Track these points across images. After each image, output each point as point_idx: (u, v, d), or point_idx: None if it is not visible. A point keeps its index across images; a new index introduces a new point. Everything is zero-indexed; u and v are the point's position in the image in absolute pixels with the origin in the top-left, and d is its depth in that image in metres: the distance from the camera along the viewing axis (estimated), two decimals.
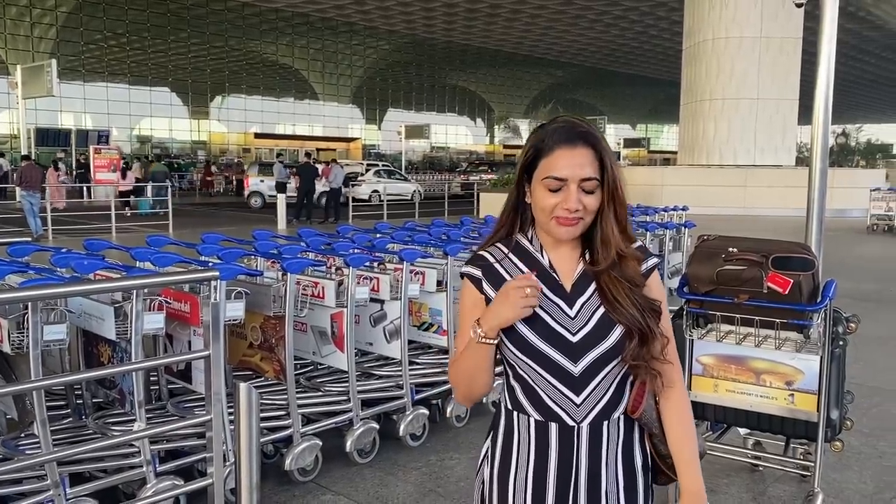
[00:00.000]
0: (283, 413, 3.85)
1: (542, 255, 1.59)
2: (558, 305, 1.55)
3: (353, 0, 42.50)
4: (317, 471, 3.84)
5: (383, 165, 30.57)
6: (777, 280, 3.08)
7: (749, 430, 3.81)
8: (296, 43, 50.88)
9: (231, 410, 2.87)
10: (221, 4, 44.88)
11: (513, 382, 1.61)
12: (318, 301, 4.03)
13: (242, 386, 2.59)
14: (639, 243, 1.60)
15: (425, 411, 4.38)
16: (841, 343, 3.30)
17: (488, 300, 1.57)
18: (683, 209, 9.13)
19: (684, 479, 1.58)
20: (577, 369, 1.52)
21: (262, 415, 3.78)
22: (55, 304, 3.18)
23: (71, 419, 3.69)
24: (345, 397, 4.08)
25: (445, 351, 4.68)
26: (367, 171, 27.79)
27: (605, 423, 1.55)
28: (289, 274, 3.73)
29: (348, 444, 3.96)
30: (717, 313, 3.32)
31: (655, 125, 79.41)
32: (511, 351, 1.55)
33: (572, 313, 1.54)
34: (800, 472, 3.78)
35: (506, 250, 1.62)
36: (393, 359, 4.42)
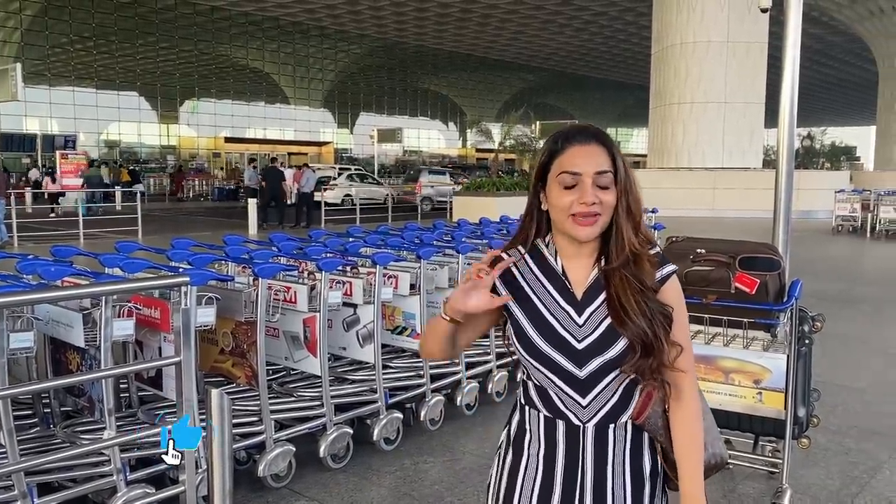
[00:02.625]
0: (255, 419, 3.82)
1: (556, 261, 1.62)
2: (567, 312, 1.58)
3: (323, 4, 42.34)
4: (290, 476, 3.82)
5: (356, 169, 30.48)
6: (744, 280, 3.14)
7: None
8: (266, 47, 50.52)
9: (203, 417, 2.84)
10: (190, 8, 44.41)
11: (526, 379, 1.66)
12: (290, 306, 4.01)
13: (214, 392, 2.57)
14: (655, 250, 1.60)
15: (399, 415, 4.38)
16: (807, 342, 3.36)
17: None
18: (653, 211, 9.21)
19: (684, 485, 1.60)
20: (582, 374, 1.56)
21: (235, 421, 3.75)
22: (22, 311, 3.13)
23: (38, 428, 3.63)
24: (318, 402, 4.06)
25: (419, 355, 4.68)
26: (339, 174, 27.69)
27: (612, 425, 1.58)
28: (260, 279, 3.71)
29: (322, 449, 3.94)
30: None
31: (625, 129, 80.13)
32: (521, 353, 1.60)
33: (580, 321, 1.57)
34: (768, 470, 3.84)
35: (522, 250, 1.65)
36: (366, 363, 4.41)
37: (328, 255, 4.50)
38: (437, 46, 52.92)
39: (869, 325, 7.83)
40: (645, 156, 34.71)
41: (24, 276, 3.66)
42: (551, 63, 58.54)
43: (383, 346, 4.48)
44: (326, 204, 20.47)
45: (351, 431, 4.10)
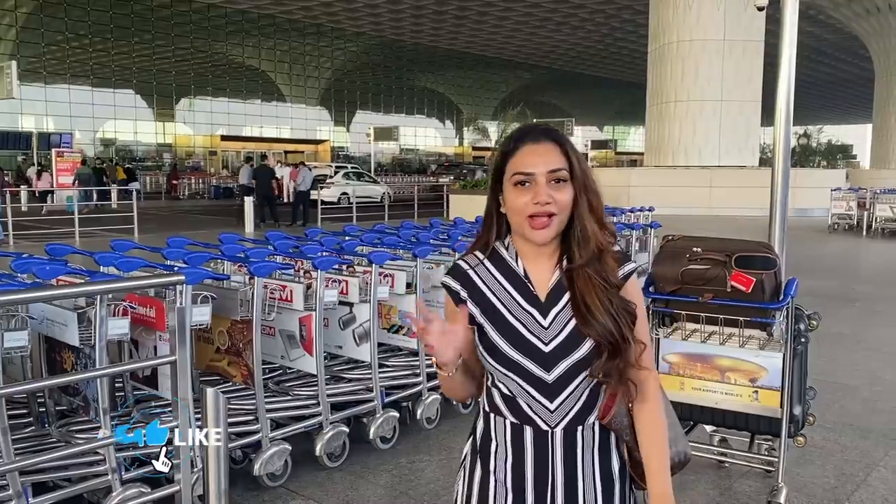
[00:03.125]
0: (251, 418, 3.82)
1: (518, 264, 1.59)
2: (532, 315, 1.55)
3: (320, 2, 42.29)
4: (286, 475, 3.81)
5: (352, 168, 30.45)
6: (740, 279, 3.13)
7: (715, 428, 3.87)
8: (262, 44, 50.44)
9: (198, 416, 2.83)
10: (186, 6, 44.33)
11: (491, 387, 1.62)
12: (286, 304, 4.00)
13: (210, 391, 2.56)
14: (616, 247, 1.59)
15: (395, 414, 4.37)
16: (803, 340, 3.37)
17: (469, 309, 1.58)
18: (650, 210, 9.23)
19: (652, 484, 1.59)
20: (550, 377, 1.53)
21: (231, 420, 3.74)
22: (16, 310, 3.12)
23: (33, 427, 3.62)
24: (314, 401, 4.05)
25: (415, 353, 4.68)
26: (335, 173, 27.65)
27: (580, 427, 1.56)
28: (256, 277, 3.70)
29: (318, 447, 3.94)
30: (683, 312, 3.37)
31: (622, 127, 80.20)
32: (486, 359, 1.56)
33: (546, 323, 1.54)
34: (764, 468, 3.84)
35: (481, 256, 1.62)
36: (362, 362, 4.41)
37: (324, 253, 4.49)
38: (433, 44, 52.91)
39: (864, 324, 7.84)
40: (642, 154, 34.73)
41: (19, 274, 3.64)
42: (548, 61, 58.56)
43: (379, 344, 4.47)
44: (323, 202, 20.44)
45: (347, 430, 4.10)
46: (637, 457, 1.62)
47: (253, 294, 3.71)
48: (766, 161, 28.43)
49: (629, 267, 1.59)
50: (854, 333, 7.25)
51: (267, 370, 4.30)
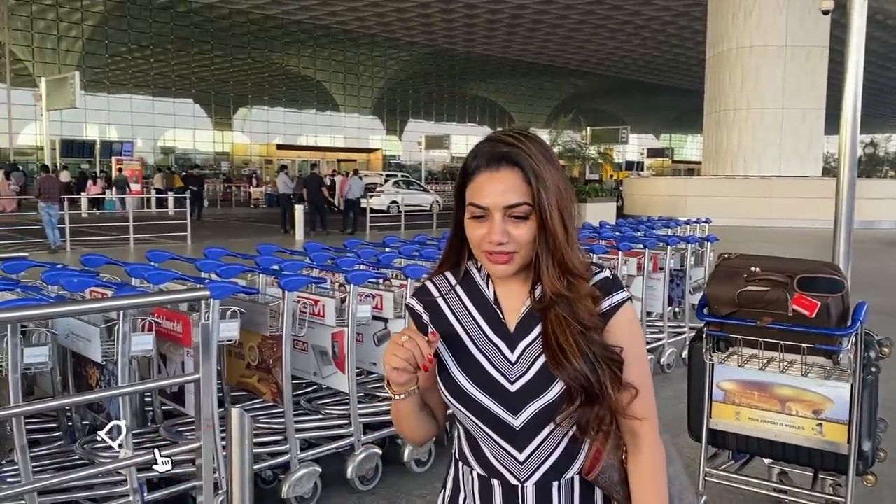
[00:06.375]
0: (280, 438, 3.69)
1: (489, 288, 1.40)
2: (498, 347, 1.35)
3: (374, 12, 42.63)
4: (316, 498, 3.66)
5: (402, 176, 30.48)
6: (803, 302, 2.86)
7: (774, 461, 3.58)
8: (318, 55, 51.13)
9: (224, 435, 2.71)
10: (244, 17, 45.19)
11: (459, 429, 1.44)
12: (318, 320, 3.87)
13: (234, 411, 2.43)
14: (602, 275, 1.36)
15: None
16: (873, 370, 3.07)
17: None
18: (706, 222, 8.87)
19: None
20: (517, 422, 1.32)
21: (260, 439, 3.63)
22: (40, 324, 3.05)
23: (62, 442, 3.56)
24: (346, 421, 3.90)
25: None
26: (385, 181, 27.74)
27: (556, 483, 1.34)
28: (286, 292, 3.57)
29: (349, 470, 3.78)
30: (739, 336, 3.11)
31: (679, 135, 78.76)
32: (446, 396, 1.37)
33: (513, 358, 1.34)
34: None
35: (453, 282, 1.43)
36: None
37: (360, 266, 4.36)
38: (485, 53, 52.82)
39: None
40: (699, 162, 33.93)
41: (49, 286, 3.59)
42: (602, 68, 57.89)
43: None
44: (372, 210, 20.46)
45: (380, 452, 3.93)
46: None
47: (283, 308, 3.59)
48: (829, 171, 27.42)
49: (618, 298, 1.35)
50: None
51: (303, 385, 4.19)
